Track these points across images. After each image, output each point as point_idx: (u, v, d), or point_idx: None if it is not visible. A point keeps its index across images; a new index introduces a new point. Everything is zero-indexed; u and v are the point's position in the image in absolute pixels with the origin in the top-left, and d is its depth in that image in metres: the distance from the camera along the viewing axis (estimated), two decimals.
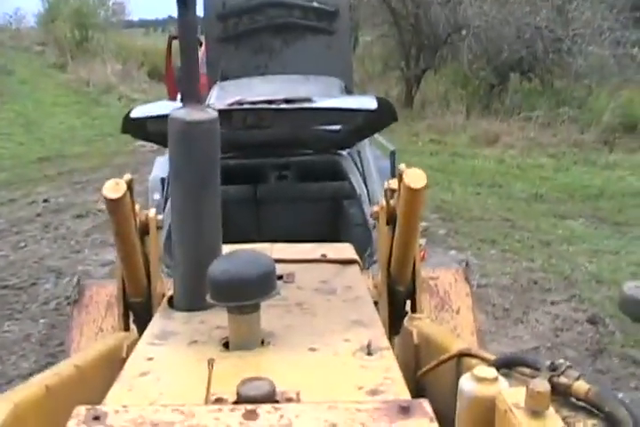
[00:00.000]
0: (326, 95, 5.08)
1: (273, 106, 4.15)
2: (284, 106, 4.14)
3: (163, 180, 5.49)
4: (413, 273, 2.77)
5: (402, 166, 2.47)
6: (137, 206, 2.55)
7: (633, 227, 9.14)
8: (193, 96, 2.31)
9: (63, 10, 30.44)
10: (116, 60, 27.08)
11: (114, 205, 2.27)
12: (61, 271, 7.73)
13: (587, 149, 13.53)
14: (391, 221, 2.70)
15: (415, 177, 2.33)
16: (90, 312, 3.82)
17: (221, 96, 5.47)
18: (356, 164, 5.34)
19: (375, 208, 2.79)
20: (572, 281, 7.32)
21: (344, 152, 5.25)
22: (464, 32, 16.97)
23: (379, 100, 4.08)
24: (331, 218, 5.47)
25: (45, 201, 10.61)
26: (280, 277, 2.38)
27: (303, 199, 5.37)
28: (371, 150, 6.11)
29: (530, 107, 15.68)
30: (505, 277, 7.42)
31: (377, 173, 5.60)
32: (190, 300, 2.31)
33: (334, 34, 6.57)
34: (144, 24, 53.44)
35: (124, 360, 2.02)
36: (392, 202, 2.69)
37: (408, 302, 2.85)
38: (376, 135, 6.04)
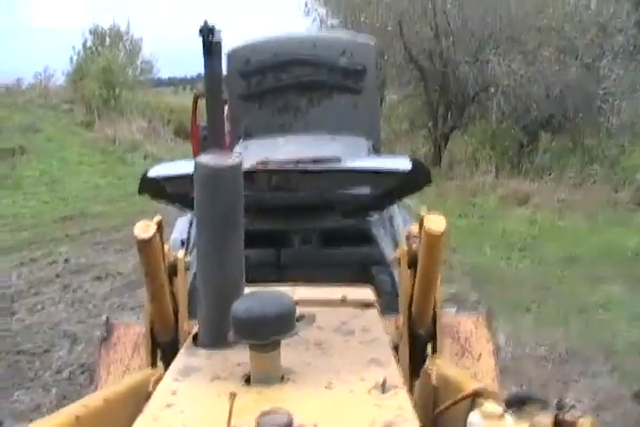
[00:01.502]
0: (354, 155, 4.95)
1: (300, 167, 4.01)
2: (311, 167, 4.01)
3: (182, 242, 5.34)
4: (434, 316, 2.86)
5: (422, 211, 2.54)
6: (166, 247, 2.67)
7: None
8: (218, 143, 2.54)
9: (91, 68, 30.72)
10: (142, 117, 27.17)
11: (144, 245, 2.40)
12: (77, 337, 7.46)
13: (620, 209, 13.26)
14: (413, 264, 2.79)
15: (435, 222, 2.44)
16: (117, 351, 3.88)
17: (245, 155, 5.26)
18: (385, 229, 5.17)
19: (397, 252, 2.91)
20: (612, 350, 6.96)
21: (374, 217, 5.05)
22: (492, 90, 16.87)
23: (413, 160, 3.96)
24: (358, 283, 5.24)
25: (66, 261, 10.43)
26: (301, 318, 2.36)
27: (329, 265, 5.10)
28: (400, 214, 5.86)
29: (560, 166, 15.51)
30: (541, 348, 7.05)
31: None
32: (214, 337, 2.39)
33: (361, 93, 6.40)
34: (173, 82, 53.96)
35: (150, 394, 2.10)
36: (414, 246, 2.78)
37: (429, 347, 2.93)
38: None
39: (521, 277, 9.42)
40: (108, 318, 4.13)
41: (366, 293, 3.12)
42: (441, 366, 2.68)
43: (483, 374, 3.79)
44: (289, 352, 2.13)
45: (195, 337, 2.49)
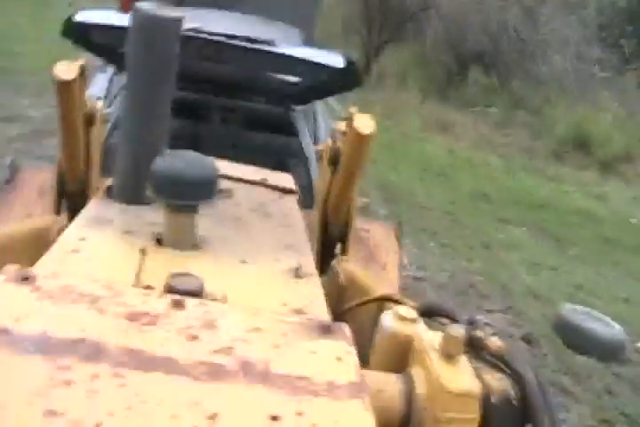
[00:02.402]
0: (287, 42, 4.66)
1: (234, 41, 3.84)
2: (244, 44, 3.85)
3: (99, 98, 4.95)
4: (348, 217, 2.88)
5: (352, 109, 2.52)
6: (86, 94, 2.55)
7: (573, 245, 8.94)
8: None
9: None
10: None
11: (63, 87, 2.27)
12: None
13: (536, 156, 13.32)
14: (334, 161, 2.74)
15: (365, 123, 2.43)
16: (21, 195, 3.78)
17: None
18: (308, 123, 5.07)
19: (320, 146, 2.89)
20: (509, 291, 6.98)
21: (298, 109, 4.93)
22: (432, 11, 16.50)
23: (346, 59, 3.83)
24: None
25: None
26: (219, 191, 2.27)
27: (246, 148, 4.96)
28: (322, 113, 5.70)
29: (485, 102, 15.42)
30: (442, 274, 7.00)
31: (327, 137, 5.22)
32: (129, 192, 2.30)
33: None
34: None
35: (51, 242, 1.97)
36: (338, 143, 2.72)
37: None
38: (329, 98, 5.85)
39: (432, 202, 9.34)
40: (12, 160, 4.02)
41: (287, 179, 3.05)
42: (350, 266, 2.67)
43: (385, 284, 3.65)
44: (205, 223, 2.10)
45: (108, 190, 2.38)
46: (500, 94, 16.24)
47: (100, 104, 2.69)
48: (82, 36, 3.98)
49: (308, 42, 5.94)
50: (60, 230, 2.15)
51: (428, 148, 12.38)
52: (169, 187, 1.93)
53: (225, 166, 2.75)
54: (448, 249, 7.74)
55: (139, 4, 2.21)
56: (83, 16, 3.76)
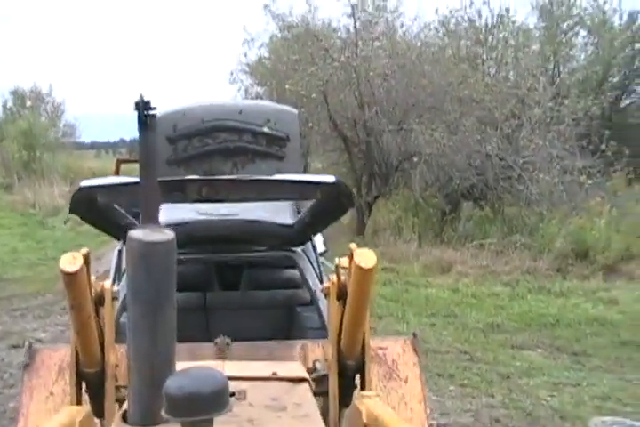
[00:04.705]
0: (278, 212, 5.18)
1: (229, 177, 4.23)
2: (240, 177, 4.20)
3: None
4: (363, 348, 2.93)
5: (352, 246, 2.64)
6: (92, 278, 2.65)
7: (592, 357, 8.94)
8: (152, 217, 2.38)
9: (11, 130, 30.36)
10: (63, 181, 26.84)
11: (70, 278, 2.38)
12: None
13: (540, 276, 13.45)
14: (342, 296, 2.84)
15: (365, 257, 2.51)
16: (41, 376, 3.81)
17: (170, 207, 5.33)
18: (310, 259, 5.28)
19: (326, 284, 2.97)
20: (535, 417, 7.00)
21: (298, 249, 5.20)
22: (415, 159, 17.13)
23: (336, 178, 3.99)
24: (284, 323, 5.43)
25: None
26: (232, 394, 2.37)
27: (254, 308, 5.31)
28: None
29: (482, 234, 15.74)
30: (465, 414, 7.06)
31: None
32: (144, 415, 2.34)
33: (284, 159, 6.51)
34: (95, 146, 53.78)
35: None
36: (343, 278, 2.83)
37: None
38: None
39: (445, 345, 9.44)
40: (31, 344, 4.05)
41: (297, 367, 3.12)
42: (372, 403, 2.67)
43: (410, 397, 3.84)
44: None
45: (124, 414, 2.43)
46: (494, 223, 16.53)
47: (108, 284, 2.79)
48: (88, 204, 4.10)
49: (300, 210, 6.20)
50: (83, 422, 2.27)
51: (432, 291, 12.57)
52: (183, 406, 1.99)
53: (234, 367, 2.94)
54: (468, 389, 7.79)
55: (130, 233, 2.33)
56: (88, 182, 3.97)
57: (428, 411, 3.93)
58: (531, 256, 14.39)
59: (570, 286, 12.68)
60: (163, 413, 2.03)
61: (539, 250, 14.51)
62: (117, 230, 4.57)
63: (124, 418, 2.41)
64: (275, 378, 2.92)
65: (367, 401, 2.70)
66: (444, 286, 12.95)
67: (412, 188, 17.78)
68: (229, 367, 2.87)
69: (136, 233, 2.32)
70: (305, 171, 18.01)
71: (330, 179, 4.00)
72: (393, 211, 18.61)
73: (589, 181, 15.97)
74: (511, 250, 14.74)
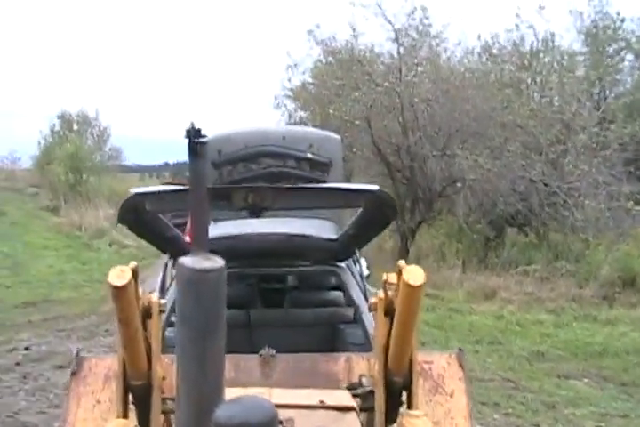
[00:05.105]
0: (322, 228, 5.22)
1: (274, 185, 4.16)
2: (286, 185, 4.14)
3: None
4: (410, 365, 2.89)
5: (401, 262, 2.62)
6: (140, 291, 2.69)
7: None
8: (201, 244, 2.39)
9: (59, 153, 30.80)
10: (108, 204, 27.11)
11: (118, 292, 2.39)
12: None
13: (586, 304, 13.28)
14: (389, 312, 2.81)
15: (414, 274, 2.48)
16: (88, 384, 3.85)
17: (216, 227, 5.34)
18: (354, 275, 5.30)
19: (373, 299, 2.92)
20: None
21: (342, 264, 5.21)
22: (459, 185, 17.06)
23: (379, 189, 3.97)
24: (328, 339, 5.38)
25: (27, 349, 10.13)
26: (280, 423, 2.38)
27: (298, 325, 5.28)
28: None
29: (527, 261, 15.60)
30: None
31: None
32: None
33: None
34: (140, 169, 54.32)
35: None
36: (390, 293, 2.80)
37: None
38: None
39: (489, 373, 9.32)
40: (78, 351, 4.09)
41: (345, 396, 3.10)
42: (418, 423, 2.68)
43: (456, 412, 3.80)
44: None
45: None
46: (539, 250, 16.40)
47: (155, 297, 2.81)
48: (137, 214, 4.13)
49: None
50: None
51: (476, 318, 12.48)
52: None
53: (282, 395, 2.94)
54: (512, 418, 7.66)
55: (180, 260, 2.32)
56: (138, 189, 3.98)
57: None
58: (576, 283, 14.22)
59: (617, 315, 12.48)
60: None
61: (584, 277, 14.35)
62: (163, 242, 4.65)
63: None
64: (322, 407, 2.91)
65: (414, 421, 2.70)
66: (488, 313, 12.84)
67: (455, 213, 17.72)
68: (277, 395, 2.86)
69: (186, 260, 2.32)
70: None
71: (373, 187, 3.96)
72: (436, 237, 18.56)
73: (637, 207, 15.78)
74: (556, 277, 14.60)
